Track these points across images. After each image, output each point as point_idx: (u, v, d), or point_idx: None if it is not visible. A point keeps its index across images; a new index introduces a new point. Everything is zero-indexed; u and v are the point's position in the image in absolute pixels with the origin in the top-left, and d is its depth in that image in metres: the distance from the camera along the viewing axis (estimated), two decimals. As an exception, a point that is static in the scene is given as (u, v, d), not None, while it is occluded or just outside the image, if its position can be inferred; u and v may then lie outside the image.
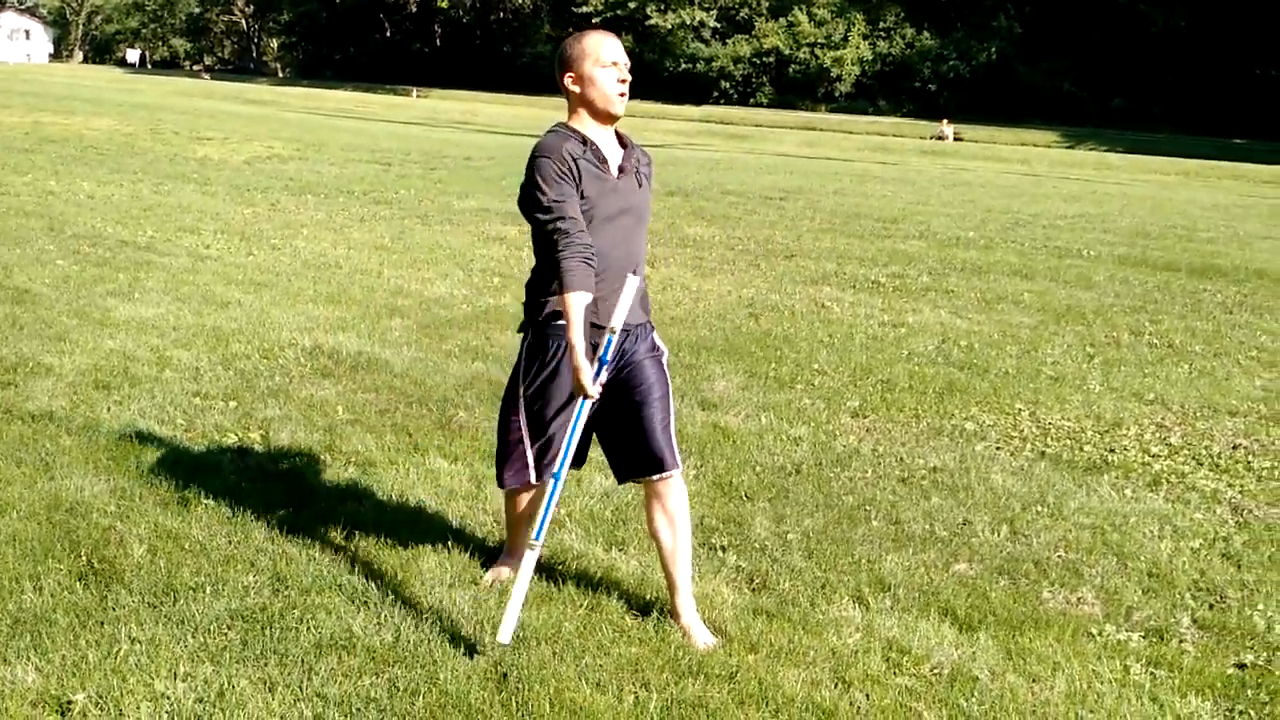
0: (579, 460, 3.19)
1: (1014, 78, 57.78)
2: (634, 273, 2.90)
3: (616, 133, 3.04)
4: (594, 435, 3.13)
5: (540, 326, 3.01)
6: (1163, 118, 53.76)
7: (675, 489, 3.07)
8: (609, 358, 2.84)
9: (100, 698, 2.57)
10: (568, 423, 2.94)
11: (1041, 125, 51.68)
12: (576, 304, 2.76)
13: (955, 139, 45.91)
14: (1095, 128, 51.34)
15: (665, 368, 3.11)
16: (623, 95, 2.96)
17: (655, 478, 3.04)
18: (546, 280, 2.97)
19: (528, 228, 3.00)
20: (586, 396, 2.80)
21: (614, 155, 2.98)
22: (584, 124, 2.96)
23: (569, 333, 2.76)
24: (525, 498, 3.28)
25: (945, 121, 48.74)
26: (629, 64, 2.98)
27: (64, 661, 2.71)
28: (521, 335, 3.10)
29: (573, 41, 2.99)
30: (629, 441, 3.04)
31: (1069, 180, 26.59)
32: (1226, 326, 8.25)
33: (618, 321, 2.84)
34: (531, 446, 3.08)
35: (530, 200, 2.88)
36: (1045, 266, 10.75)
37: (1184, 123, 52.45)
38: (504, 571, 3.34)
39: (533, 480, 3.12)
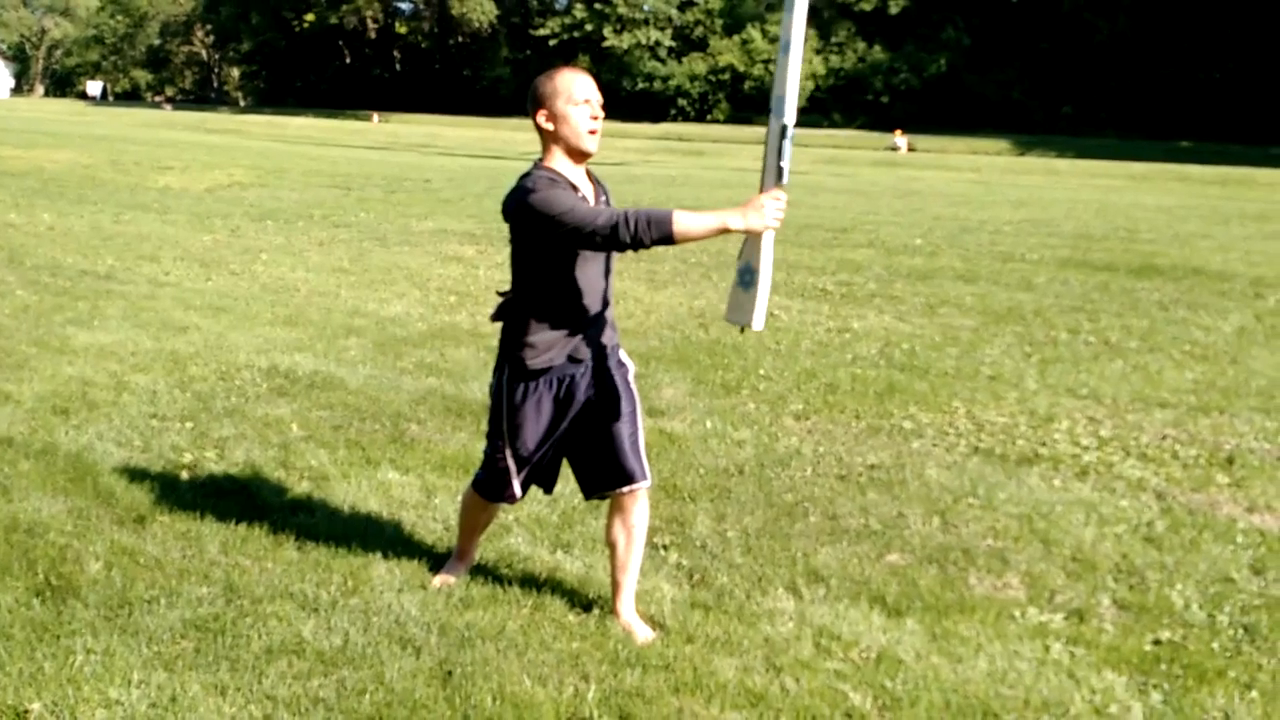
0: (549, 485, 3.33)
1: (964, 88, 58.62)
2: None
3: (585, 169, 3.11)
4: (563, 460, 3.26)
5: (519, 359, 3.09)
6: (1110, 123, 54.63)
7: (640, 503, 3.19)
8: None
9: (56, 705, 2.67)
10: (550, 449, 3.15)
11: (992, 134, 52.33)
12: (688, 213, 2.80)
13: (909, 149, 46.50)
14: (1045, 134, 52.12)
15: (632, 384, 3.21)
16: (594, 133, 3.00)
17: (624, 490, 3.15)
18: (525, 313, 3.06)
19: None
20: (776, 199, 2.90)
21: (590, 195, 3.06)
22: (558, 162, 3.01)
23: (711, 216, 2.80)
24: (489, 510, 3.41)
25: (898, 132, 49.35)
26: (601, 101, 3.02)
27: (20, 674, 2.79)
28: (497, 372, 3.17)
29: (544, 80, 3.03)
30: (599, 457, 3.14)
31: (1018, 187, 27.01)
32: (1162, 322, 8.47)
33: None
34: (518, 474, 3.21)
35: (549, 226, 2.87)
36: (988, 271, 10.95)
37: (1131, 128, 53.33)
38: (451, 577, 3.46)
39: (518, 497, 3.26)
